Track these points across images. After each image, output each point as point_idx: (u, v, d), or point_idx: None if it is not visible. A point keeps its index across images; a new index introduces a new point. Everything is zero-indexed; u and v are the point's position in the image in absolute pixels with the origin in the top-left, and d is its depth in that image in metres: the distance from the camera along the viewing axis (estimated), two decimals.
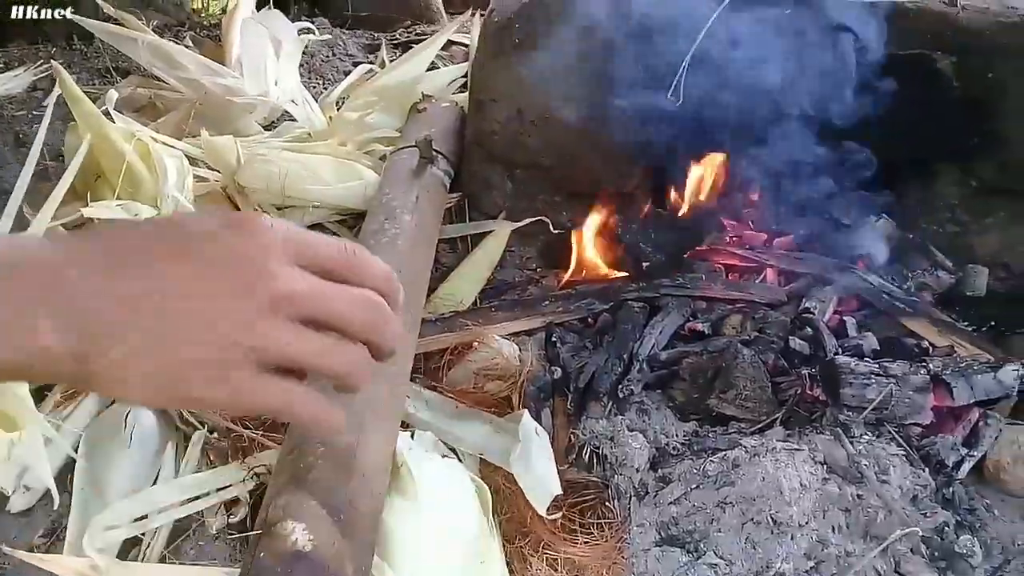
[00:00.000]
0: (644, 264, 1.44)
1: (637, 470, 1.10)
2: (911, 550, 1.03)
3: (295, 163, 1.65)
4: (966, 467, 1.15)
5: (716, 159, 1.58)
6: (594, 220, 1.53)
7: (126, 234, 0.51)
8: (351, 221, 1.70)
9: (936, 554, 1.04)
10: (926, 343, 1.36)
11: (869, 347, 1.32)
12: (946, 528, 1.06)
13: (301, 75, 2.26)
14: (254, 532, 0.95)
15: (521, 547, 1.06)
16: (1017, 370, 1.23)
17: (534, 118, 1.50)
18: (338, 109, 1.98)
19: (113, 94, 1.68)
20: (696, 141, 1.52)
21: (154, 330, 0.48)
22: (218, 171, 1.72)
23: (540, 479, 1.08)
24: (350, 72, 2.45)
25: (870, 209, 1.57)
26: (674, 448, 1.13)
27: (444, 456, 1.12)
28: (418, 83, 1.93)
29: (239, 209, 1.66)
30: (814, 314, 1.41)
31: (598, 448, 1.13)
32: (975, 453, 1.16)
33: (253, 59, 2.01)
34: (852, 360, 1.19)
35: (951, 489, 1.11)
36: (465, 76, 1.96)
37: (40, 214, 1.31)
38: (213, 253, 0.50)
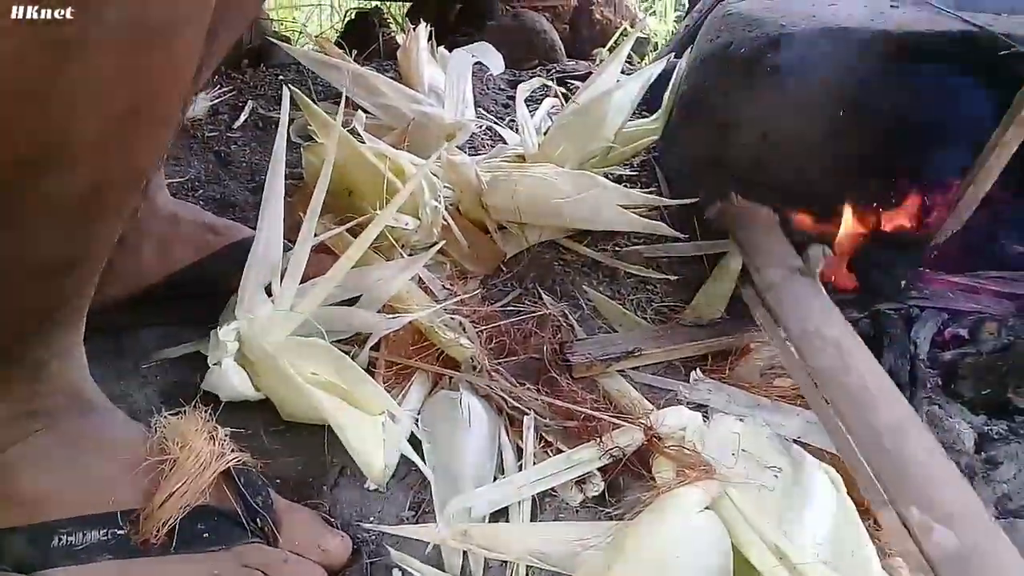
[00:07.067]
0: (901, 281, 1.55)
1: (965, 452, 1.20)
2: None
3: (537, 179, 1.75)
4: None
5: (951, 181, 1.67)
6: (832, 234, 1.63)
7: None
8: (577, 236, 1.81)
9: None
10: None
11: None
12: None
13: None
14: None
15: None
16: None
17: (779, 140, 1.62)
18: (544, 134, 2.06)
19: (362, 116, 1.80)
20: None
21: None
22: (450, 188, 1.83)
23: None
24: (507, 104, 2.61)
25: None
26: (997, 433, 1.23)
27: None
28: (606, 103, 2.00)
29: (484, 228, 1.76)
30: None
31: None
32: None
33: (456, 87, 2.12)
34: None
35: None
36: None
37: (305, 225, 1.33)
38: None
